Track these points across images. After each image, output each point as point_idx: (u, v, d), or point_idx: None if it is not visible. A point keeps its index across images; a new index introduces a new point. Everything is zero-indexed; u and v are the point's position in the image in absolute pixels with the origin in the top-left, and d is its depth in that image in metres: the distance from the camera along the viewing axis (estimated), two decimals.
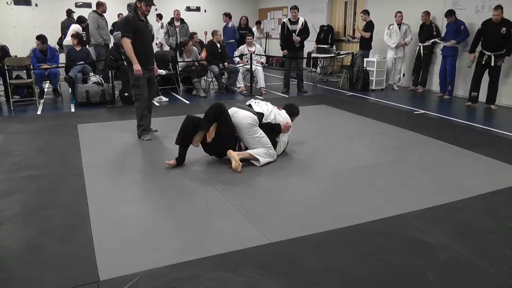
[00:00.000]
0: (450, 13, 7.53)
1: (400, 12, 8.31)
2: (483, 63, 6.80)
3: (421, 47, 8.19)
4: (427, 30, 8.07)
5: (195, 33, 9.16)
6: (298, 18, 8.26)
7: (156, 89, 6.62)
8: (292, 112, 4.57)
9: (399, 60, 8.62)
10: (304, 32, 8.26)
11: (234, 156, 3.89)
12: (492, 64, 6.69)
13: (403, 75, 8.94)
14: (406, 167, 4.08)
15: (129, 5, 8.45)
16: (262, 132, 4.08)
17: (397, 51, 8.52)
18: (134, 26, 4.65)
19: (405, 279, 2.29)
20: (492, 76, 6.85)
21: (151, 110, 5.15)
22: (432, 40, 8.01)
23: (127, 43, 4.63)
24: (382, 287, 2.22)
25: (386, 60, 8.67)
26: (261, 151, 4.05)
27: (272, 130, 4.21)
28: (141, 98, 4.87)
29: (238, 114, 4.03)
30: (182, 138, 3.95)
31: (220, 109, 3.92)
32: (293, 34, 8.21)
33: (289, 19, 8.30)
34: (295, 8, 8.30)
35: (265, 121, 4.22)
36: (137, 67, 4.65)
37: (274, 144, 4.23)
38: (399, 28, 8.36)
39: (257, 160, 4.01)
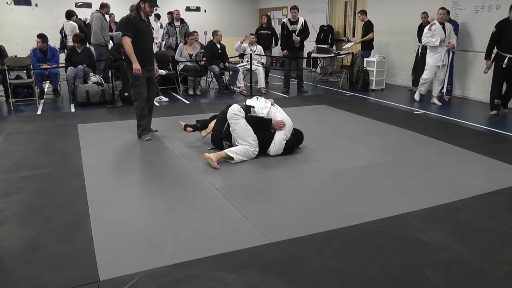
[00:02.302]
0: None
1: (443, 8, 6.98)
2: (504, 66, 6.13)
3: (420, 47, 8.16)
4: None
5: (196, 32, 9.14)
6: (298, 18, 8.26)
7: (156, 89, 6.61)
8: (294, 133, 4.42)
9: (443, 67, 7.12)
10: (304, 32, 8.26)
11: (210, 157, 3.94)
12: None
13: (449, 87, 7.64)
14: (406, 167, 4.08)
15: (132, 6, 8.43)
16: (246, 124, 4.14)
17: (443, 56, 7.02)
18: (135, 25, 4.66)
19: (405, 279, 2.29)
20: (510, 80, 6.34)
21: (151, 110, 5.15)
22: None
23: (127, 41, 4.63)
24: (382, 287, 2.22)
25: (427, 68, 7.20)
26: (238, 149, 4.09)
27: (262, 122, 4.25)
28: (139, 97, 4.86)
29: (230, 107, 4.25)
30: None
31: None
32: (293, 34, 8.21)
33: (289, 19, 8.30)
34: (295, 8, 8.30)
35: (255, 114, 4.26)
36: (136, 66, 4.65)
37: (268, 142, 4.24)
38: (443, 28, 6.92)
39: (232, 158, 4.04)
